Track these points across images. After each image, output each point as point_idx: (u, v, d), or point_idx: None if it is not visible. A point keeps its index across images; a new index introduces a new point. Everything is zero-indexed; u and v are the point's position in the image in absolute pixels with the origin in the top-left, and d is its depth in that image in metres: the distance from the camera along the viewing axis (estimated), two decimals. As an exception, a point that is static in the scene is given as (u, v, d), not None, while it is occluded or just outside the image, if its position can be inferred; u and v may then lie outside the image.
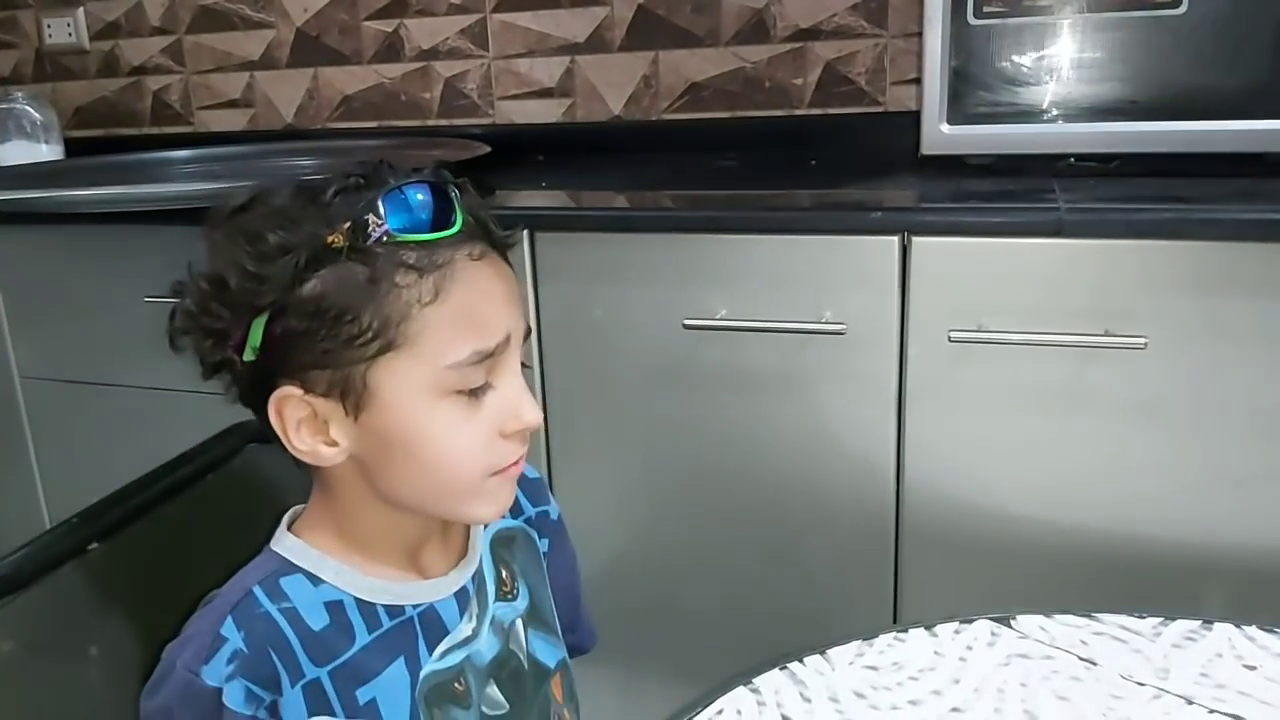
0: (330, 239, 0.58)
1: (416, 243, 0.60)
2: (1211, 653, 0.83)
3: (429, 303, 0.59)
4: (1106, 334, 1.01)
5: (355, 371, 0.60)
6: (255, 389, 0.63)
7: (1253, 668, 0.80)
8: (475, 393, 0.62)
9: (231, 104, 2.03)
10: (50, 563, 0.72)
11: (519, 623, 0.75)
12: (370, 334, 0.59)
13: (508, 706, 0.72)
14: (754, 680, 0.81)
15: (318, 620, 0.64)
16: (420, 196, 0.61)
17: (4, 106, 1.89)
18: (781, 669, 0.82)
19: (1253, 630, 0.85)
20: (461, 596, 0.71)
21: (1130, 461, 1.06)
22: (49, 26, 2.10)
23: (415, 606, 0.68)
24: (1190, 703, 0.76)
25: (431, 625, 0.69)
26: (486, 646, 0.71)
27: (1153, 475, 1.05)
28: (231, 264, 0.60)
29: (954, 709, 0.76)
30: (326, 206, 0.60)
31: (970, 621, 0.88)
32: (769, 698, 0.79)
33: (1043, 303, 1.03)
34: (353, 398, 0.60)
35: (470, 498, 0.65)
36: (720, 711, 0.77)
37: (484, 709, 0.70)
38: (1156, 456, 1.05)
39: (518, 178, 1.54)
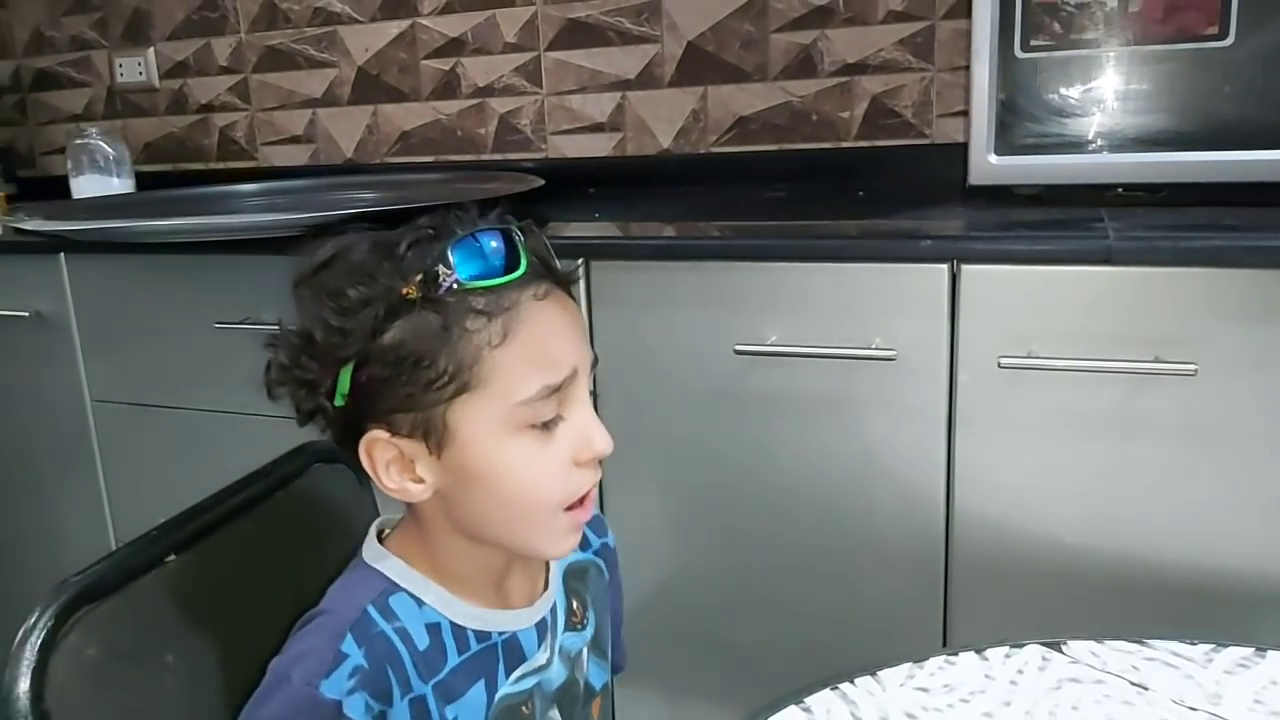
0: (405, 291, 0.62)
1: (484, 288, 0.63)
2: (1266, 680, 0.82)
3: (498, 345, 0.63)
4: (1156, 360, 1.01)
5: (435, 413, 0.63)
6: (346, 433, 0.67)
7: (1308, 695, 0.80)
8: (547, 425, 0.65)
9: (294, 140, 2.10)
10: (132, 572, 0.75)
11: (584, 651, 0.78)
12: (446, 377, 0.62)
13: None
14: (805, 700, 0.82)
15: (421, 640, 0.67)
16: (488, 243, 0.64)
17: (79, 142, 1.98)
18: (833, 689, 0.83)
19: (1308, 658, 0.85)
20: (541, 627, 0.74)
21: (1181, 488, 1.05)
22: (121, 66, 2.20)
23: (500, 634, 0.71)
24: (1244, 728, 0.76)
25: (512, 651, 0.72)
26: (556, 674, 0.74)
27: (1203, 502, 1.05)
28: (317, 319, 0.64)
29: (1005, 730, 0.77)
30: (400, 260, 0.64)
31: (1021, 646, 0.89)
32: (820, 717, 0.80)
33: (1092, 329, 1.04)
34: (434, 437, 0.64)
35: (545, 531, 0.67)
36: (772, 729, 0.78)
37: None
38: (1207, 483, 1.05)
39: (570, 210, 1.57)
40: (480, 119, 1.93)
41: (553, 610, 0.76)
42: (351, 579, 0.70)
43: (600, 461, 0.68)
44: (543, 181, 1.60)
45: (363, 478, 0.97)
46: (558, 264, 0.69)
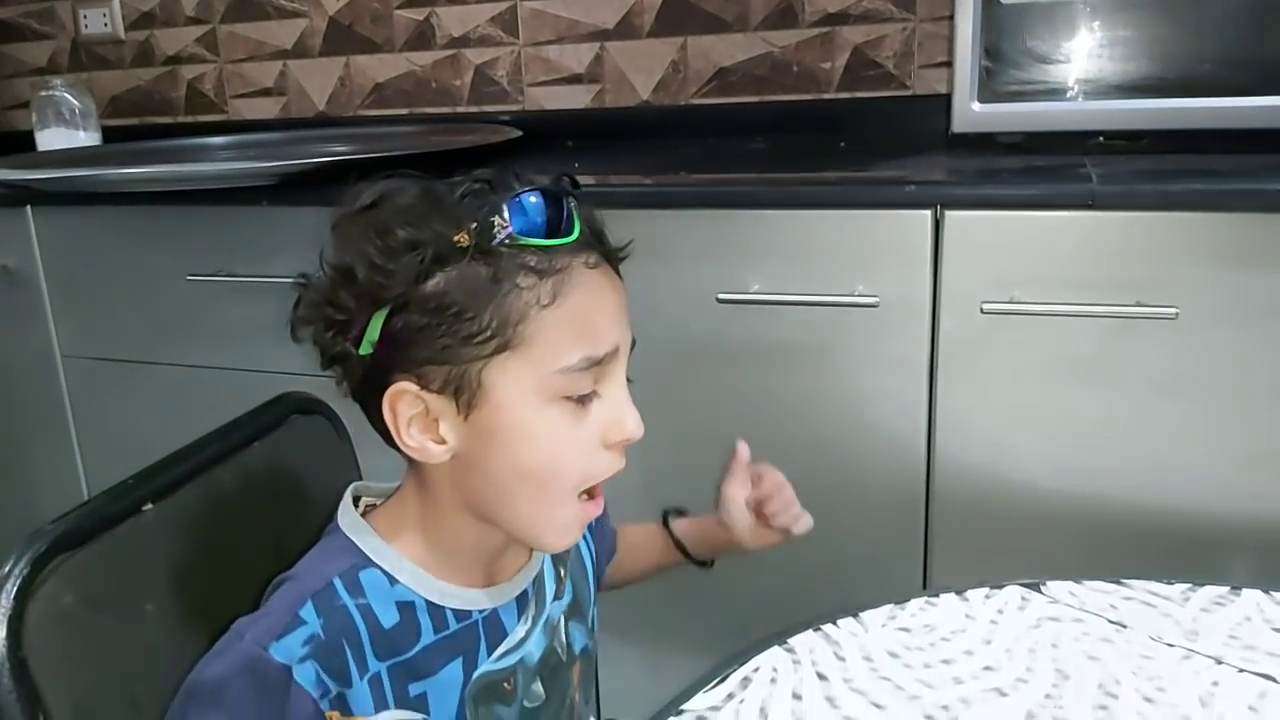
0: (457, 238, 0.60)
1: (538, 247, 0.61)
2: (1240, 616, 0.83)
3: (547, 305, 0.61)
4: (1138, 305, 1.01)
5: (471, 369, 0.61)
6: (367, 384, 0.64)
7: (1282, 631, 0.81)
8: (582, 400, 0.63)
9: (264, 92, 2.06)
10: (108, 521, 0.74)
11: (562, 618, 0.77)
12: (489, 333, 0.60)
13: (545, 697, 0.74)
14: (789, 640, 0.82)
15: (389, 618, 0.65)
16: (542, 203, 0.62)
17: (43, 94, 1.93)
18: (815, 630, 0.84)
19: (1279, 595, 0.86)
20: (522, 600, 0.73)
21: (1160, 432, 1.06)
22: (85, 17, 2.14)
23: (481, 612, 0.70)
24: (1220, 662, 0.77)
25: (494, 629, 0.70)
26: (536, 645, 0.73)
27: (1182, 446, 1.06)
28: (360, 256, 0.62)
29: (986, 668, 0.78)
30: (453, 207, 0.62)
31: (1000, 587, 0.89)
32: (804, 656, 0.80)
33: (1074, 274, 1.04)
34: (466, 395, 0.62)
35: (553, 515, 0.65)
36: (756, 669, 0.78)
37: (525, 703, 0.72)
38: (1186, 427, 1.06)
39: (549, 163, 1.56)
40: (455, 70, 1.90)
41: (537, 584, 0.75)
42: (324, 548, 0.68)
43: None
44: (520, 133, 1.58)
45: (341, 430, 0.97)
46: (609, 238, 0.67)
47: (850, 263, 1.11)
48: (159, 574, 0.77)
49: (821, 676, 0.77)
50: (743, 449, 0.82)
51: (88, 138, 1.94)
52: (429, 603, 0.67)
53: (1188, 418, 1.05)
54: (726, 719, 0.72)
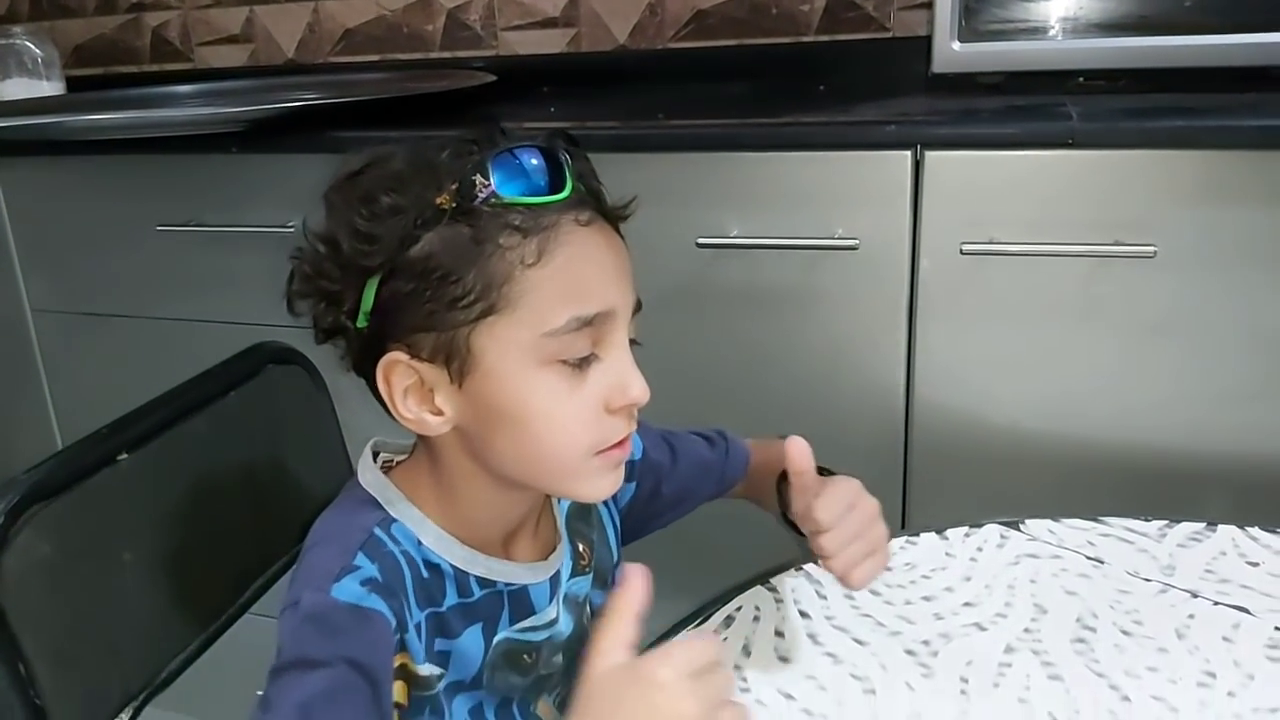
0: (438, 200, 0.59)
1: (523, 206, 0.59)
2: (1215, 551, 0.85)
3: (531, 264, 0.58)
4: (1116, 244, 1.01)
5: (459, 335, 0.59)
6: (366, 355, 0.63)
7: (1255, 564, 0.82)
8: (581, 364, 0.61)
9: (231, 39, 2.01)
10: (83, 471, 0.73)
11: (589, 593, 0.76)
12: (473, 295, 0.58)
13: (562, 666, 0.73)
14: (771, 580, 0.83)
15: (422, 571, 0.64)
16: (530, 160, 0.60)
17: (4, 43, 1.87)
18: (797, 570, 0.84)
19: (1255, 530, 0.87)
20: (554, 581, 0.72)
21: (1138, 371, 1.07)
22: (45, -37, 2.08)
23: (508, 585, 0.68)
24: (1195, 596, 0.78)
25: (519, 603, 0.69)
26: (564, 625, 0.72)
27: (1161, 384, 1.07)
28: (344, 225, 0.60)
29: (966, 604, 0.79)
30: (437, 169, 0.60)
31: (980, 526, 0.90)
32: (786, 595, 0.81)
33: (1053, 214, 1.04)
34: (457, 363, 0.60)
35: (574, 475, 0.63)
36: (739, 609, 0.79)
37: (541, 670, 0.72)
38: (1165, 366, 1.06)
39: (524, 109, 1.53)
40: (427, 15, 1.86)
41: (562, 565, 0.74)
42: (350, 503, 0.65)
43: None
44: (494, 78, 1.55)
45: (318, 380, 0.96)
46: (607, 196, 0.64)
47: (830, 205, 1.10)
48: (136, 523, 0.77)
49: (804, 614, 0.78)
50: (796, 449, 0.69)
51: (51, 88, 1.89)
52: (455, 568, 0.65)
53: (1166, 356, 1.06)
54: None
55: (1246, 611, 0.76)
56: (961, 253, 1.05)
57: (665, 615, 0.78)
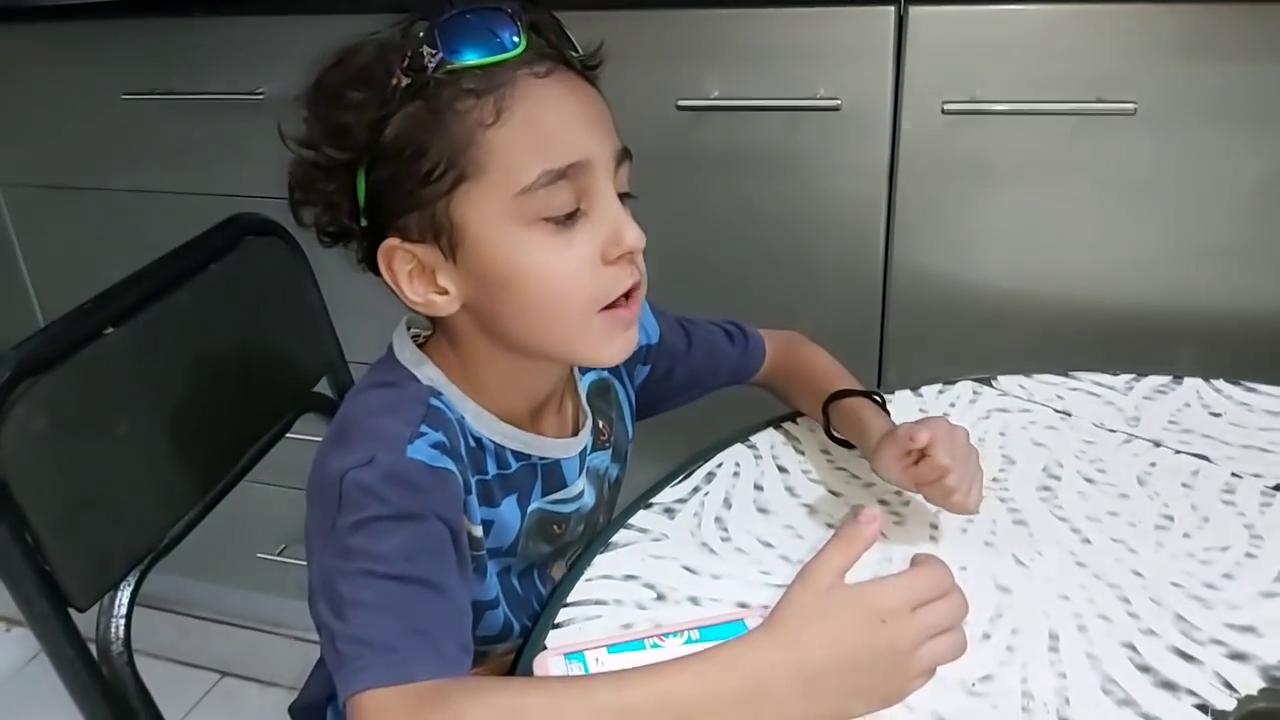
0: (394, 81, 0.58)
1: (475, 68, 0.58)
2: (1180, 403, 0.88)
3: (491, 124, 0.58)
4: (1098, 100, 1.00)
5: (439, 209, 0.59)
6: (372, 252, 0.63)
7: (1218, 415, 0.86)
8: (566, 220, 0.60)
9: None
10: (71, 345, 0.73)
11: (608, 466, 0.78)
12: (442, 167, 0.58)
13: (580, 532, 0.76)
14: (751, 438, 0.86)
15: (470, 441, 0.65)
16: (479, 21, 0.59)
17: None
18: (776, 428, 0.87)
19: (1220, 383, 0.90)
20: (583, 455, 0.73)
21: (1115, 228, 1.08)
22: None
23: (541, 458, 0.70)
24: (1158, 445, 0.82)
25: (552, 476, 0.71)
26: (588, 498, 0.74)
27: (1137, 241, 1.08)
28: (320, 126, 0.60)
29: (939, 456, 0.82)
30: (391, 50, 0.59)
31: (953, 382, 0.93)
32: (765, 451, 0.84)
33: (1034, 72, 1.02)
34: (445, 237, 0.60)
35: (581, 335, 0.63)
36: (720, 465, 0.82)
37: (566, 539, 0.74)
38: (1142, 223, 1.07)
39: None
40: None
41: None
42: (393, 380, 0.65)
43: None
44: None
45: (298, 251, 0.95)
46: (573, 45, 0.63)
47: (812, 64, 1.08)
48: (128, 396, 0.78)
49: (781, 469, 0.81)
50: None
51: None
52: (494, 443, 0.67)
53: (1144, 213, 1.06)
54: (693, 509, 0.76)
55: (1206, 459, 0.79)
56: (943, 112, 1.04)
57: (649, 473, 0.81)
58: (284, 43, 1.25)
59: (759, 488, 0.79)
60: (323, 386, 0.99)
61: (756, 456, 0.83)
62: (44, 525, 0.67)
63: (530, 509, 0.70)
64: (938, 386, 0.93)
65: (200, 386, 0.85)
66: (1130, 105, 0.99)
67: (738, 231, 1.18)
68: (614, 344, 0.64)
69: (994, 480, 0.78)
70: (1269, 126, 1.00)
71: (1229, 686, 0.57)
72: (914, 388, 0.92)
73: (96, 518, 0.73)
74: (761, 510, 0.76)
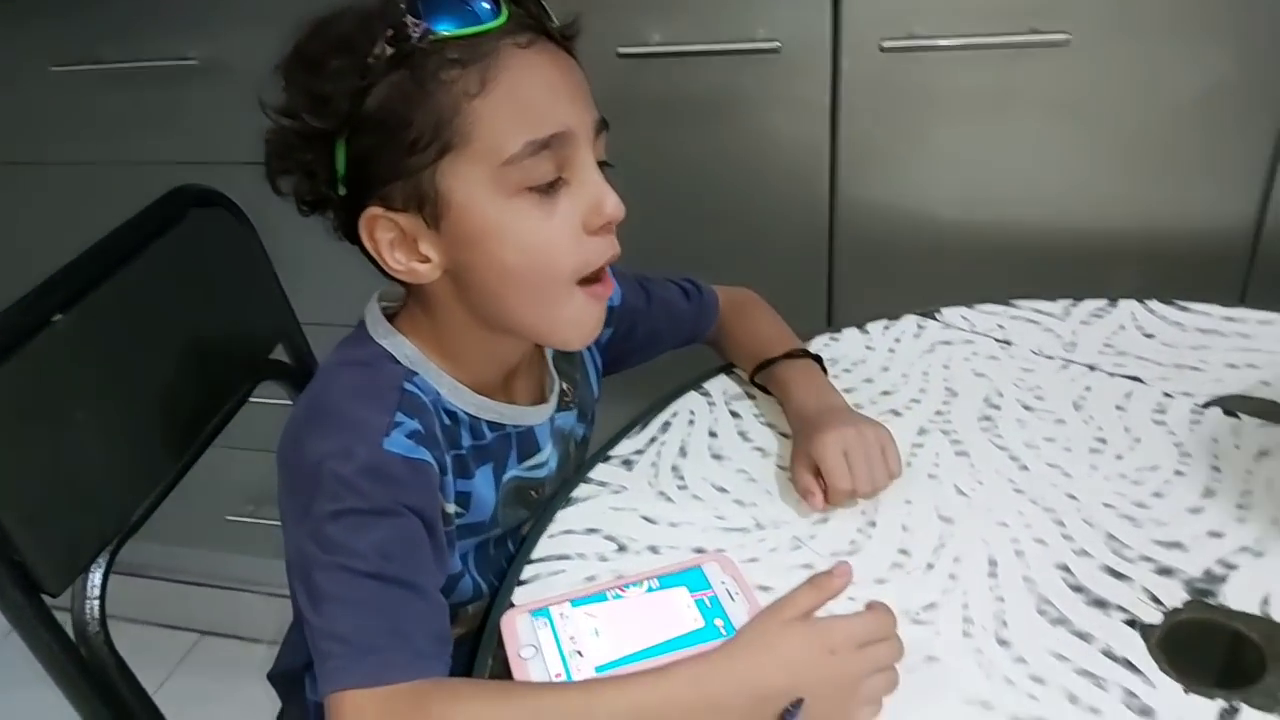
0: (377, 51, 0.58)
1: (459, 38, 0.58)
2: (1115, 326, 0.91)
3: (476, 95, 0.58)
4: (1032, 32, 1.01)
5: (424, 179, 0.60)
6: (351, 221, 0.63)
7: (1150, 336, 0.89)
8: (549, 189, 0.61)
9: None
10: (19, 335, 0.73)
11: (574, 426, 0.80)
12: (427, 136, 0.59)
13: (550, 492, 0.77)
14: (704, 384, 0.88)
15: (443, 418, 0.66)
16: None
17: None
18: (729, 374, 0.89)
19: (1154, 304, 0.93)
20: (551, 420, 0.75)
21: (1053, 156, 1.10)
22: None
23: (515, 427, 0.71)
24: (1093, 369, 0.85)
25: (526, 443, 0.72)
26: (554, 458, 0.76)
27: (1074, 168, 1.10)
28: (299, 94, 0.60)
29: (884, 392, 0.84)
30: (373, 19, 0.59)
31: (898, 318, 0.96)
32: (718, 398, 0.86)
33: (969, 5, 1.03)
34: (429, 207, 0.61)
35: (560, 306, 0.64)
36: (675, 414, 0.84)
37: (541, 501, 0.76)
38: (1078, 149, 1.09)
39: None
40: None
41: None
42: (366, 359, 0.66)
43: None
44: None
45: (244, 220, 0.95)
46: (551, 17, 0.63)
47: (749, 7, 1.08)
48: (84, 380, 0.78)
49: (734, 414, 0.84)
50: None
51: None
52: (469, 415, 0.68)
53: (1080, 140, 1.08)
54: (650, 460, 0.79)
55: (1140, 380, 0.83)
56: (881, 50, 1.05)
57: (618, 424, 0.83)
58: (211, 7, 1.23)
59: (713, 434, 0.81)
60: (279, 353, 0.99)
61: (710, 404, 0.85)
62: (10, 516, 0.67)
63: (506, 478, 0.71)
64: (883, 323, 0.95)
65: (156, 364, 0.85)
66: (1064, 35, 1.01)
67: (682, 179, 1.19)
68: (583, 328, 0.66)
69: (937, 413, 0.81)
70: (1199, 43, 1.02)
71: (1156, 601, 0.61)
72: (860, 325, 0.95)
73: (63, 504, 0.73)
74: (716, 456, 0.78)
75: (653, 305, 0.87)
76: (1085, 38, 1.01)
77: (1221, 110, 1.04)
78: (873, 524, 0.70)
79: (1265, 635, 0.58)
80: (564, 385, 0.77)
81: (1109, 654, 0.58)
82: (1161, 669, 0.57)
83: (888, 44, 1.05)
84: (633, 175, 1.20)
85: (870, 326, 0.95)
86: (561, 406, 0.77)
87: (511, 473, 0.72)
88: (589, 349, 0.83)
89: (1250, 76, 1.02)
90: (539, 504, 0.75)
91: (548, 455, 0.75)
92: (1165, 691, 0.55)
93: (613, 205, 0.62)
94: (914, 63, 1.07)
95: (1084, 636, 0.59)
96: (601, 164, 0.64)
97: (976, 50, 1.04)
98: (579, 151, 0.62)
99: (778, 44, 1.08)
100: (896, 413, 0.81)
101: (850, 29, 1.07)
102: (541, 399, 0.75)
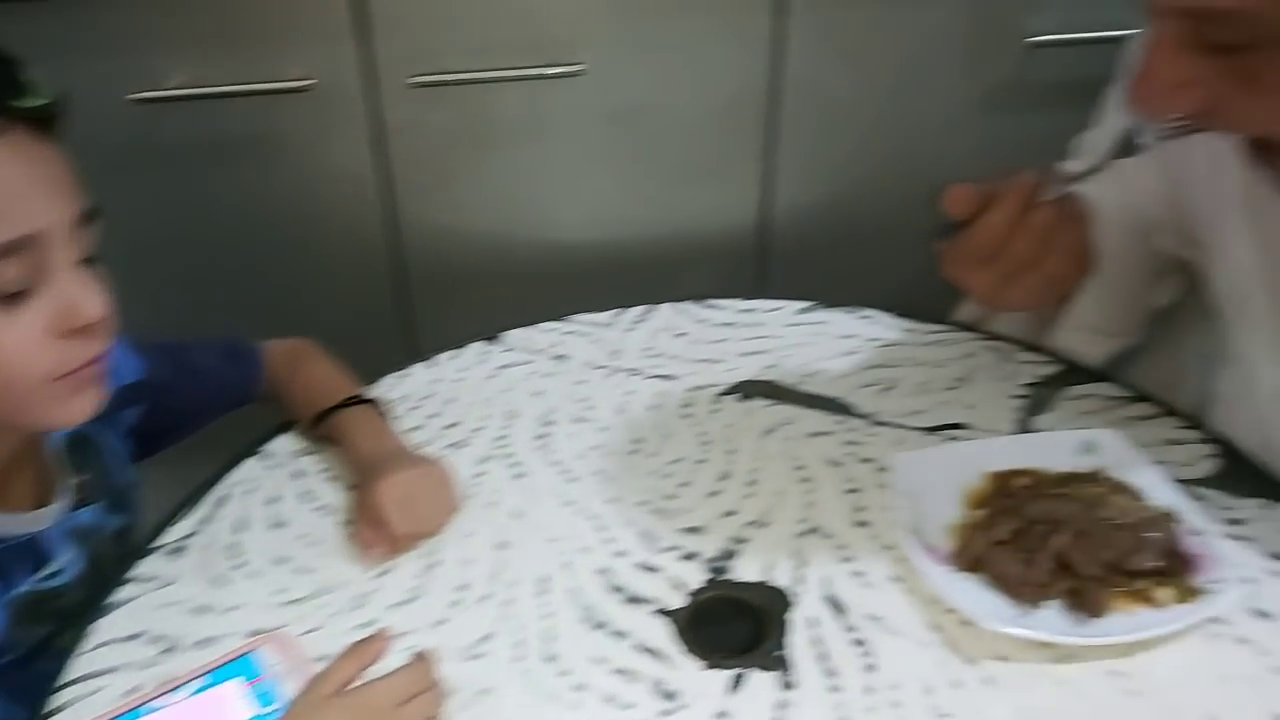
0: None
1: None
2: (655, 329, 1.00)
3: None
4: (549, 65, 1.09)
5: None
6: None
7: (682, 335, 0.98)
8: (14, 298, 0.55)
9: None
10: None
11: (103, 520, 0.73)
12: None
13: (84, 596, 0.71)
14: (264, 447, 0.85)
15: None
16: None
17: None
18: (289, 430, 0.87)
19: (686, 305, 1.03)
20: (64, 524, 0.68)
21: (593, 176, 1.19)
22: None
23: (15, 537, 0.64)
24: (634, 374, 0.93)
25: (33, 554, 0.65)
26: (79, 560, 0.69)
27: (614, 184, 1.20)
28: None
29: (449, 425, 0.86)
30: None
31: (463, 346, 0.98)
32: (282, 459, 0.83)
33: (492, 41, 1.08)
34: None
35: (37, 405, 0.59)
36: (236, 485, 0.81)
37: (67, 610, 0.69)
38: (614, 167, 1.19)
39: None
40: None
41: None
42: None
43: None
44: None
45: None
46: (22, 92, 0.56)
47: (280, 46, 1.06)
48: None
49: (297, 474, 0.81)
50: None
51: None
52: None
53: (614, 159, 1.18)
54: (204, 542, 0.72)
55: (672, 378, 0.92)
56: (409, 86, 1.07)
57: (170, 504, 0.78)
58: None
59: (275, 500, 0.79)
60: None
61: (271, 467, 0.83)
62: None
63: (15, 594, 0.65)
64: (450, 352, 0.97)
65: None
66: (580, 66, 1.09)
67: (227, 227, 1.15)
68: (74, 407, 0.62)
69: (497, 440, 0.85)
70: (708, 60, 1.14)
71: (682, 586, 0.69)
72: (426, 359, 0.96)
73: None
74: (277, 525, 0.76)
75: (185, 374, 0.83)
76: (599, 66, 1.10)
77: (726, 122, 1.18)
78: (433, 566, 0.72)
79: (767, 602, 0.67)
80: (80, 479, 0.72)
81: (642, 647, 0.64)
82: (686, 652, 0.64)
83: (414, 80, 1.07)
84: (164, 228, 1.13)
85: (440, 357, 0.97)
86: (79, 503, 0.71)
87: (24, 588, 0.66)
88: (111, 432, 0.78)
89: (742, 86, 1.16)
90: (68, 613, 0.70)
91: (65, 562, 0.69)
92: (687, 671, 0.62)
93: (90, 309, 0.58)
94: (444, 96, 1.10)
95: (621, 635, 0.65)
96: (90, 259, 0.60)
97: (503, 83, 1.10)
98: (53, 252, 0.57)
99: (313, 81, 1.07)
100: (460, 445, 0.84)
101: (383, 66, 1.08)
102: (45, 501, 0.69)
